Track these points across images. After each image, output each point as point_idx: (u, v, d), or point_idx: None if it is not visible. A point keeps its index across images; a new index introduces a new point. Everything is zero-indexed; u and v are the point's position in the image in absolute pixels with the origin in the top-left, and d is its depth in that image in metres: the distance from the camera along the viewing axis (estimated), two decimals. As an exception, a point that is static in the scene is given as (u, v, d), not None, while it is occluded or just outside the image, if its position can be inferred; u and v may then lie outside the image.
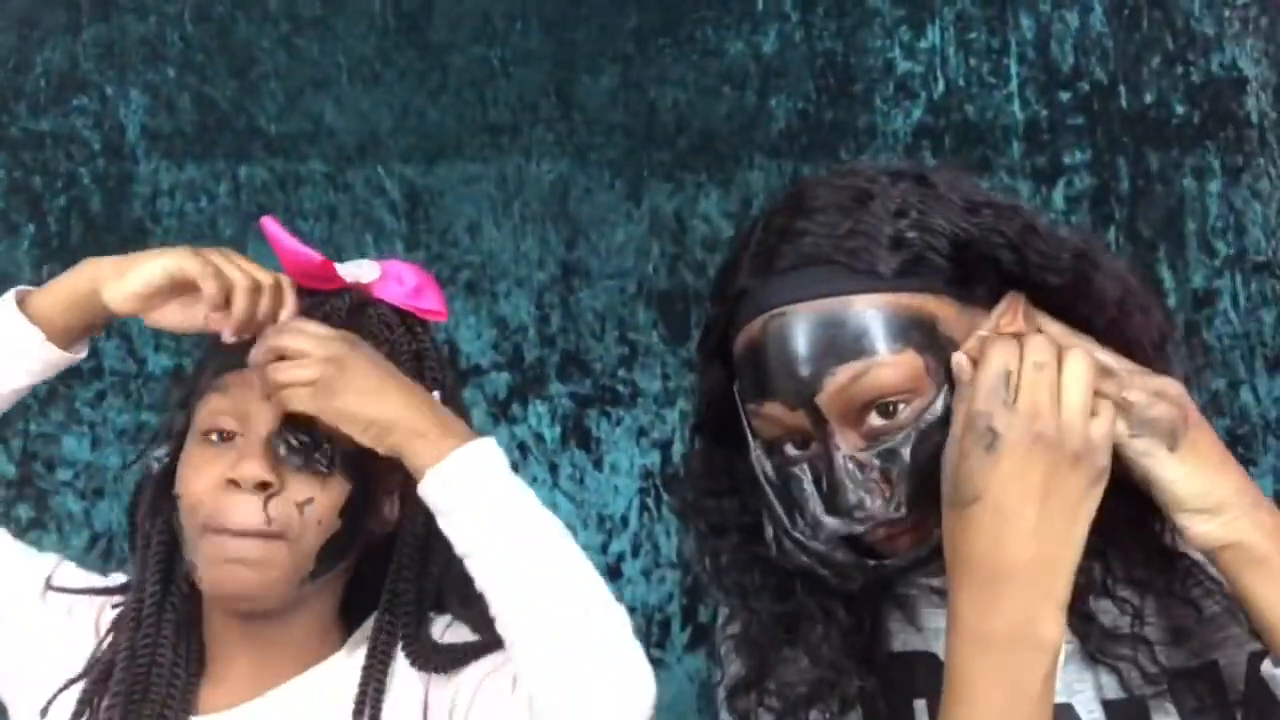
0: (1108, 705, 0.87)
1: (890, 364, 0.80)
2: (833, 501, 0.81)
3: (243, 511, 0.87)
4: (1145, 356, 0.86)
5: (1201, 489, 0.80)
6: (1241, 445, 1.40)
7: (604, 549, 1.40)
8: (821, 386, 0.80)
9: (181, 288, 0.89)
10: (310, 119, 1.43)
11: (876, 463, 0.80)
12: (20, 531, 1.34)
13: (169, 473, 0.93)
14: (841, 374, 0.80)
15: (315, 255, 0.97)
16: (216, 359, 0.94)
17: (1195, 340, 1.42)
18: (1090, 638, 0.88)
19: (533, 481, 1.37)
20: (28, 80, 1.42)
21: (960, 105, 1.47)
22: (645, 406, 1.42)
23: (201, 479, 0.89)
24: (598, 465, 1.41)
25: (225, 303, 0.89)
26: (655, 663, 1.37)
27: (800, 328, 0.81)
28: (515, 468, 1.38)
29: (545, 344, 1.42)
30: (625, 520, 1.40)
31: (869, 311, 0.81)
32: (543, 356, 1.42)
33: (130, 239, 1.41)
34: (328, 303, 0.96)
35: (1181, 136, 1.45)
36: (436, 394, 0.94)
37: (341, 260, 0.99)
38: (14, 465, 1.38)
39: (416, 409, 0.88)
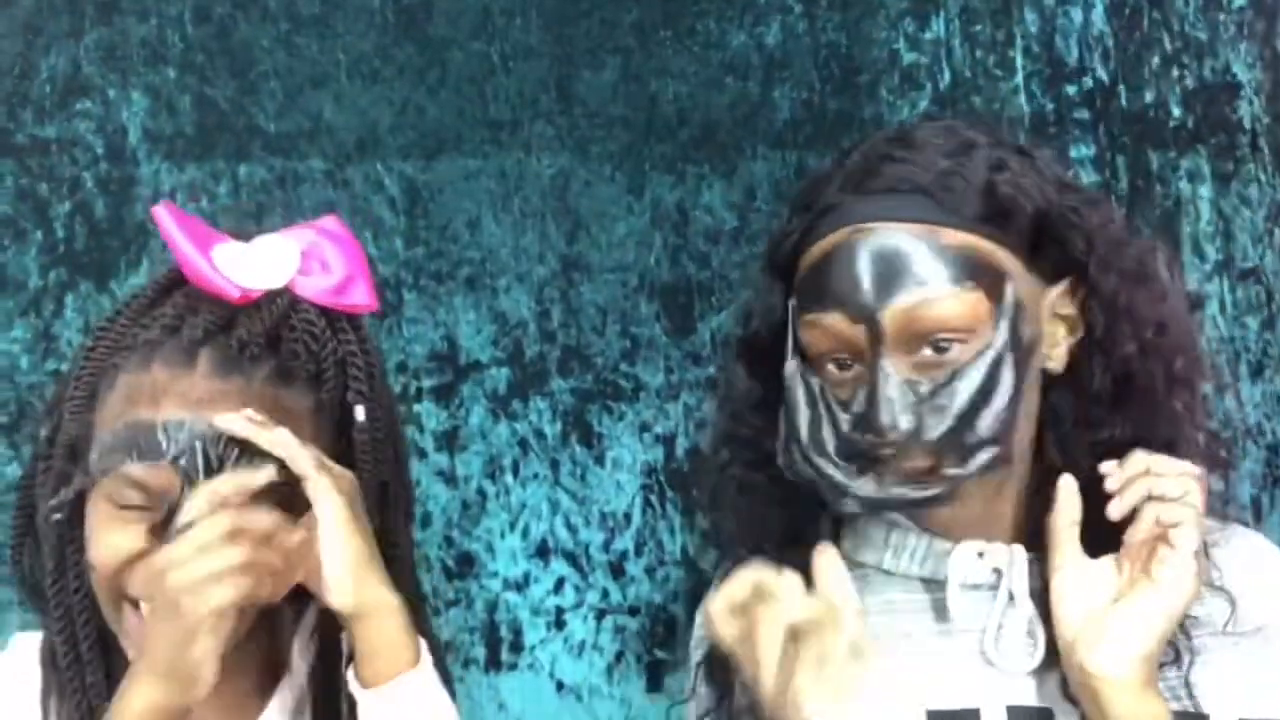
0: (1013, 711, 0.87)
1: (959, 299, 0.83)
2: (868, 418, 0.83)
3: None
4: (1157, 388, 0.89)
5: (1141, 629, 0.82)
6: (1223, 450, 1.38)
7: (606, 547, 1.37)
8: (887, 304, 0.83)
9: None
10: (309, 117, 1.43)
11: (923, 391, 0.83)
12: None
13: (70, 526, 0.86)
14: (910, 296, 0.83)
15: (216, 279, 0.87)
16: (110, 444, 0.84)
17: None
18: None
19: (534, 478, 1.37)
20: (33, 87, 1.42)
21: (966, 97, 1.45)
22: (648, 401, 1.39)
23: (112, 550, 0.83)
24: (600, 461, 1.38)
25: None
26: (659, 663, 1.36)
27: (882, 244, 0.84)
28: (516, 466, 1.38)
29: (546, 339, 1.39)
30: (628, 517, 1.37)
31: (953, 245, 0.85)
32: (543, 352, 1.39)
33: (132, 241, 1.40)
34: (241, 324, 0.87)
35: (1178, 139, 1.44)
36: (360, 409, 0.89)
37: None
38: (21, 469, 1.37)
39: (387, 615, 0.83)
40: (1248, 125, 1.44)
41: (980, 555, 0.91)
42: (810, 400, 0.88)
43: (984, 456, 0.85)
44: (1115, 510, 0.83)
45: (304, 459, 0.82)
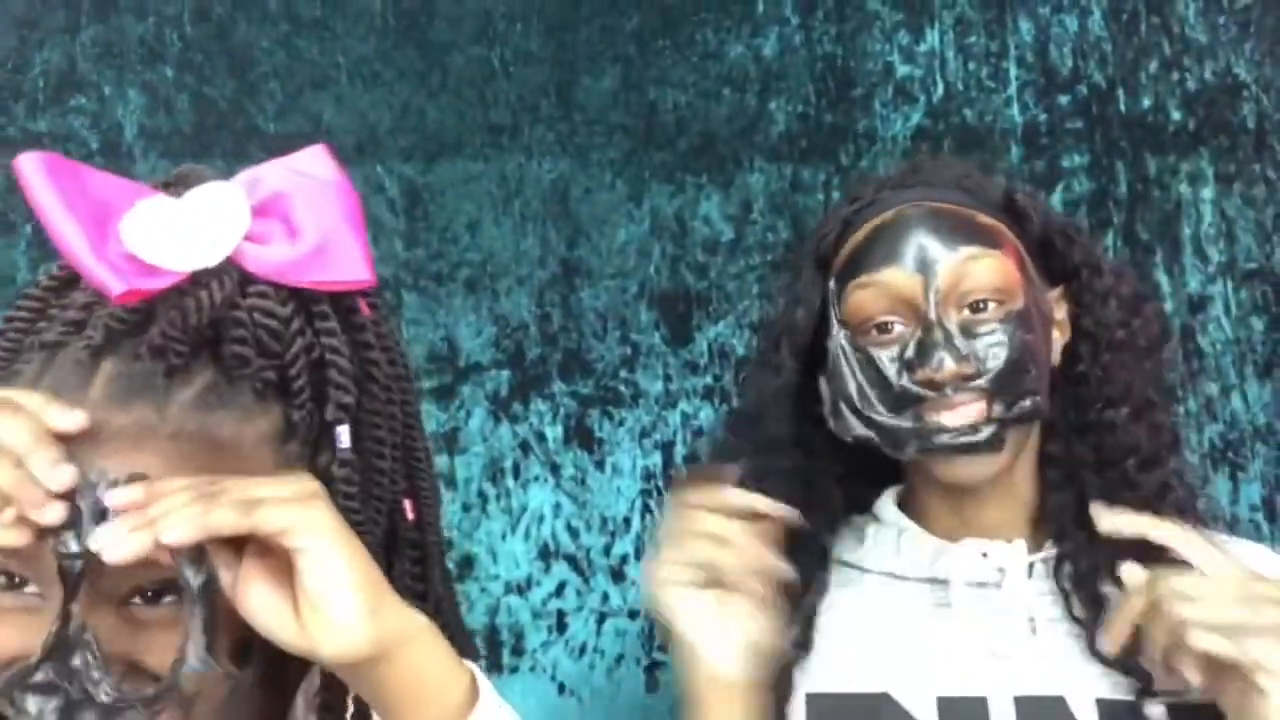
0: (1101, 704, 0.91)
1: (1002, 262, 0.94)
2: (918, 358, 0.91)
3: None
4: (1139, 364, 0.99)
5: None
6: (1231, 451, 1.41)
7: (607, 551, 1.37)
8: (945, 257, 0.93)
9: None
10: (309, 118, 1.42)
11: (971, 334, 0.92)
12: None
13: None
14: (964, 253, 0.94)
15: (93, 266, 0.56)
16: None
17: (1190, 345, 1.42)
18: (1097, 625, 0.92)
19: (535, 481, 1.37)
20: (26, 81, 1.40)
21: (959, 109, 1.47)
22: (647, 407, 1.40)
23: None
24: (600, 466, 1.39)
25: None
26: (657, 666, 1.36)
27: (932, 214, 0.96)
28: (517, 468, 1.38)
29: (547, 342, 1.40)
30: (628, 522, 1.38)
31: (987, 224, 0.97)
32: (544, 355, 1.40)
33: (125, 238, 1.39)
34: (160, 320, 0.60)
35: (1177, 142, 1.46)
36: (344, 430, 0.63)
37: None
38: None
39: (424, 641, 0.60)
40: (1252, 125, 1.46)
41: (984, 555, 0.96)
42: (855, 363, 0.95)
43: (1028, 404, 0.93)
44: None
45: (219, 520, 0.55)
